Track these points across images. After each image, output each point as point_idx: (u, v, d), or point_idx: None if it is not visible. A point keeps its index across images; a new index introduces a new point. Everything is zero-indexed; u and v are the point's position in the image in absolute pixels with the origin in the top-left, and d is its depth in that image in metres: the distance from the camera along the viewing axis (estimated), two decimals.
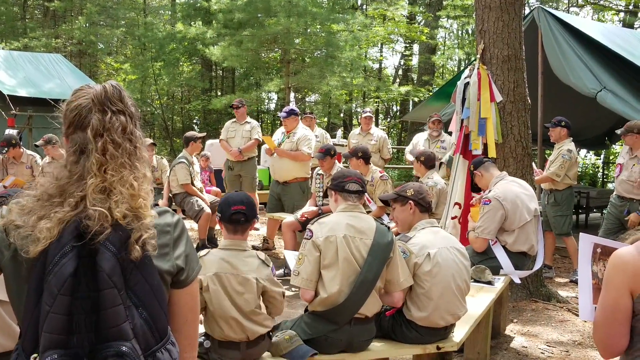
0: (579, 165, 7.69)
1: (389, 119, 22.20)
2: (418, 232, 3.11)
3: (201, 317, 2.54)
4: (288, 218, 6.02)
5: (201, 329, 2.66)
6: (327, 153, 5.86)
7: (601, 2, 17.08)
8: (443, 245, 3.04)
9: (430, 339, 2.96)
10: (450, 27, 21.00)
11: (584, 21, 9.70)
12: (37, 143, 6.93)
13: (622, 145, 7.43)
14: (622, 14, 17.09)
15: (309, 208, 5.97)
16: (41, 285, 1.24)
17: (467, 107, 4.99)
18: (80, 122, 1.35)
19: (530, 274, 4.53)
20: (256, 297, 2.51)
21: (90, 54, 19.84)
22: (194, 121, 20.67)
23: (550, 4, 17.67)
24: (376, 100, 18.74)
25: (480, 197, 4.32)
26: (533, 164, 5.52)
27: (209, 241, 6.80)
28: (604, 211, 6.47)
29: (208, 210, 6.57)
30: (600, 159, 15.67)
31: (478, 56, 5.14)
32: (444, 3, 17.23)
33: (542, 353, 4.11)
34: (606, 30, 7.37)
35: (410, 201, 3.18)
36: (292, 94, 12.73)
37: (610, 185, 13.16)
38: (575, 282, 5.72)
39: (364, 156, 5.76)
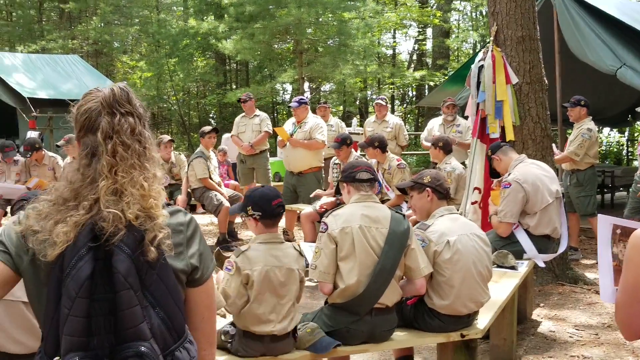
0: (602, 144, 7.52)
1: (405, 105, 22.02)
2: (437, 220, 3.07)
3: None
4: (306, 209, 6.02)
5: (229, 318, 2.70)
6: (343, 142, 5.84)
7: None
8: (463, 232, 3.01)
9: (453, 327, 2.94)
10: (464, 9, 20.71)
11: None
12: (59, 143, 7.06)
13: None
14: None
15: (327, 199, 5.97)
16: (59, 288, 1.26)
17: (483, 91, 4.92)
18: (90, 125, 1.36)
19: (555, 257, 4.45)
20: (298, 288, 2.59)
21: (106, 54, 20.08)
22: (210, 115, 20.78)
23: None
24: (391, 86, 18.60)
25: (500, 179, 4.27)
26: (553, 145, 5.42)
27: (229, 235, 6.84)
28: (630, 189, 6.34)
29: (227, 204, 6.59)
30: (624, 137, 15.34)
31: (492, 38, 5.06)
32: None
33: (570, 337, 4.05)
34: (622, 6, 7.18)
35: (428, 188, 3.15)
36: (306, 84, 12.73)
37: (635, 163, 12.89)
38: None
39: (381, 145, 5.73)
